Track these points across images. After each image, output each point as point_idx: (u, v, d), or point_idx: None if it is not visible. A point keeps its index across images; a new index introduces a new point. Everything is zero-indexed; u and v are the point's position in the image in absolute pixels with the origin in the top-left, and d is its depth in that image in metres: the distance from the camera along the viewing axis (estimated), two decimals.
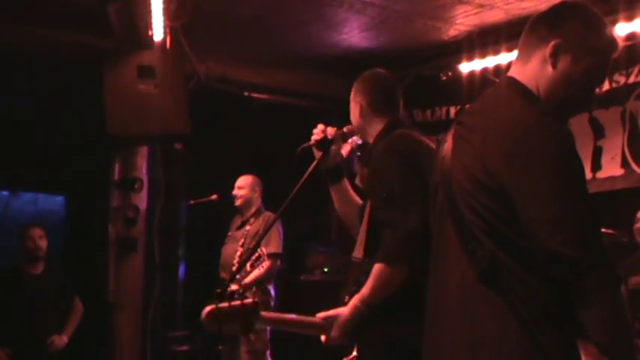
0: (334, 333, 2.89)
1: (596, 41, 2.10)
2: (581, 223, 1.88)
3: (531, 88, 2.09)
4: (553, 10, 2.16)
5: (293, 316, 2.95)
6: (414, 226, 2.74)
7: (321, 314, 2.92)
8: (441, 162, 2.19)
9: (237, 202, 6.18)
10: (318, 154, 3.19)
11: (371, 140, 3.26)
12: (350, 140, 3.31)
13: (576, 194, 1.91)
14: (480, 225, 1.97)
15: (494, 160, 1.94)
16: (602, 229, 4.27)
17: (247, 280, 5.72)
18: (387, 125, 3.23)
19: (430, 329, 2.18)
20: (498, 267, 1.94)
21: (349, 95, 3.36)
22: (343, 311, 2.88)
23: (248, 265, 5.52)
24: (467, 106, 6.83)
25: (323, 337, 2.94)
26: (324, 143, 3.18)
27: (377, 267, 2.81)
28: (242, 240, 6.01)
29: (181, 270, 7.14)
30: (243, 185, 6.19)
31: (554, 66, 2.07)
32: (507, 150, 1.93)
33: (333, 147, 3.22)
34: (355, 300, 2.85)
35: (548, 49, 2.08)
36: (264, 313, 2.78)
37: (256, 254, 5.45)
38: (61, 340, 5.85)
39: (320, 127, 3.22)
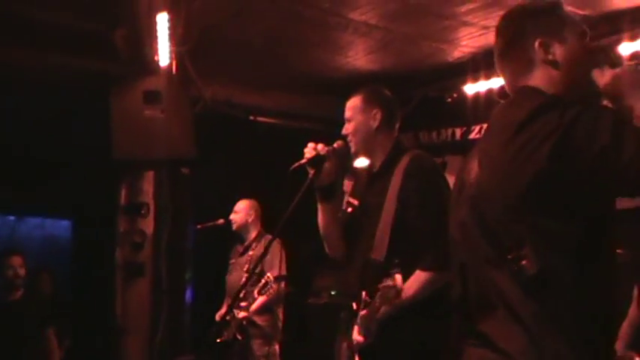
0: (365, 332, 3.08)
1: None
2: None
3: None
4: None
5: None
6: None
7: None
8: (464, 177, 2.14)
9: (233, 227, 6.18)
10: (311, 172, 3.20)
11: (378, 157, 3.31)
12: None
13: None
14: (526, 231, 1.86)
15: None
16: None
17: (254, 306, 5.71)
18: (396, 143, 3.31)
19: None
20: (545, 273, 1.84)
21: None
22: (371, 310, 3.05)
23: (255, 291, 5.51)
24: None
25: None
26: (316, 161, 3.19)
27: (424, 274, 3.00)
28: (247, 266, 5.99)
29: (188, 294, 7.12)
30: (238, 210, 6.20)
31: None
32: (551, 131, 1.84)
33: (326, 164, 3.23)
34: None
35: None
36: None
37: (263, 281, 5.44)
38: None
39: (311, 145, 3.24)
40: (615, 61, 2.06)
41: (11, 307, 5.73)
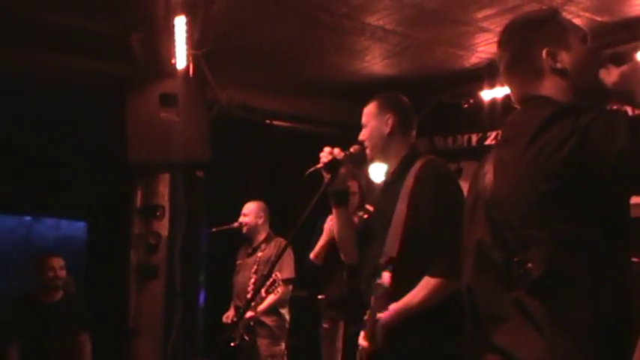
0: (369, 337, 3.03)
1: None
2: None
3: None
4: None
5: None
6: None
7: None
8: (478, 184, 2.12)
9: (244, 230, 6.17)
10: (326, 176, 3.19)
11: (392, 162, 3.29)
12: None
13: None
14: (538, 235, 1.85)
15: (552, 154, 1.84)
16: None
17: (262, 306, 5.71)
18: (411, 148, 3.29)
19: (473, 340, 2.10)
20: (551, 277, 1.82)
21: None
22: (382, 315, 3.00)
23: (263, 291, 5.52)
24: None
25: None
26: (332, 165, 3.18)
27: (433, 280, 2.94)
28: (255, 267, 5.99)
29: (201, 297, 7.13)
30: (248, 213, 6.18)
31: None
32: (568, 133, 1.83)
33: (342, 169, 3.22)
34: (399, 305, 2.96)
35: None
36: None
37: (271, 280, 5.45)
38: None
39: (327, 149, 3.23)
40: (619, 58, 2.05)
41: (52, 309, 5.71)
